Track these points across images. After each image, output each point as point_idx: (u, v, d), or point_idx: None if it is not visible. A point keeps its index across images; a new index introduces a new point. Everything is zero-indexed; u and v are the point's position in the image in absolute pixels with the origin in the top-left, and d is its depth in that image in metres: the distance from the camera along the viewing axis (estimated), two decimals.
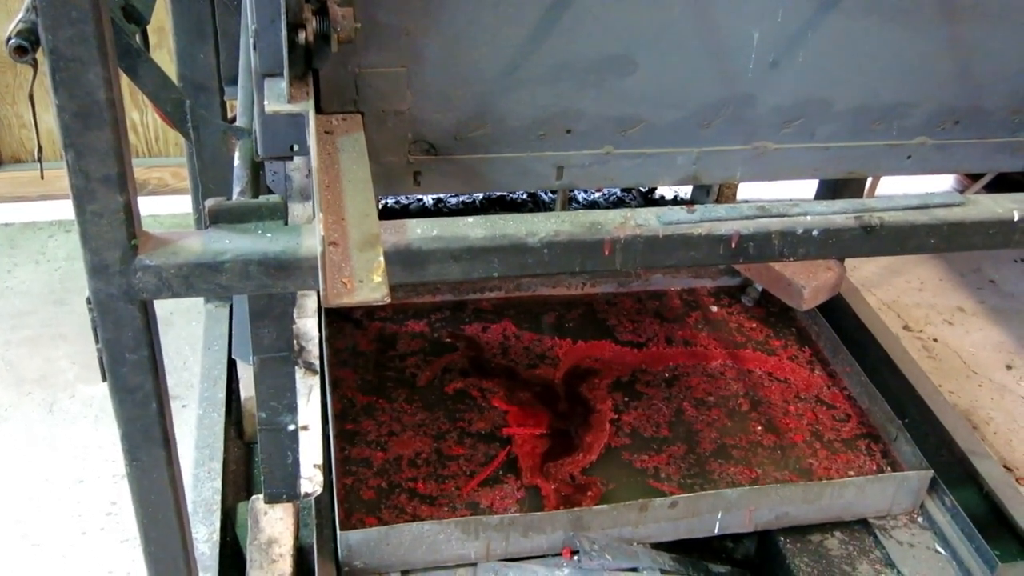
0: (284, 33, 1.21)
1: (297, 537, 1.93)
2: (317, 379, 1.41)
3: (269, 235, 1.17)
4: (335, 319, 2.50)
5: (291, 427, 1.50)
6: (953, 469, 2.23)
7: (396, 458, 2.11)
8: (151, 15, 1.76)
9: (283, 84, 1.25)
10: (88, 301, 1.14)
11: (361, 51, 1.31)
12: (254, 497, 1.97)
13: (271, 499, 1.61)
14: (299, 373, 1.40)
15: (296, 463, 1.56)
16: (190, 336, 2.85)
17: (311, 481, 1.57)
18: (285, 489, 1.61)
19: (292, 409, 1.48)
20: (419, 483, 2.05)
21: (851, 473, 2.18)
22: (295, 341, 1.35)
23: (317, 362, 1.39)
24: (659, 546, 2.01)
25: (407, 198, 3.39)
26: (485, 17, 1.32)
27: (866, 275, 3.42)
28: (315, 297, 1.32)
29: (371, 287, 0.95)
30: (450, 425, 2.21)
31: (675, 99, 1.46)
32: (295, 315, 1.33)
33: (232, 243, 1.15)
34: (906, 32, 1.47)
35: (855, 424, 2.33)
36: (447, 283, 2.61)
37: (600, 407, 2.29)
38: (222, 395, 2.35)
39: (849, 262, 2.86)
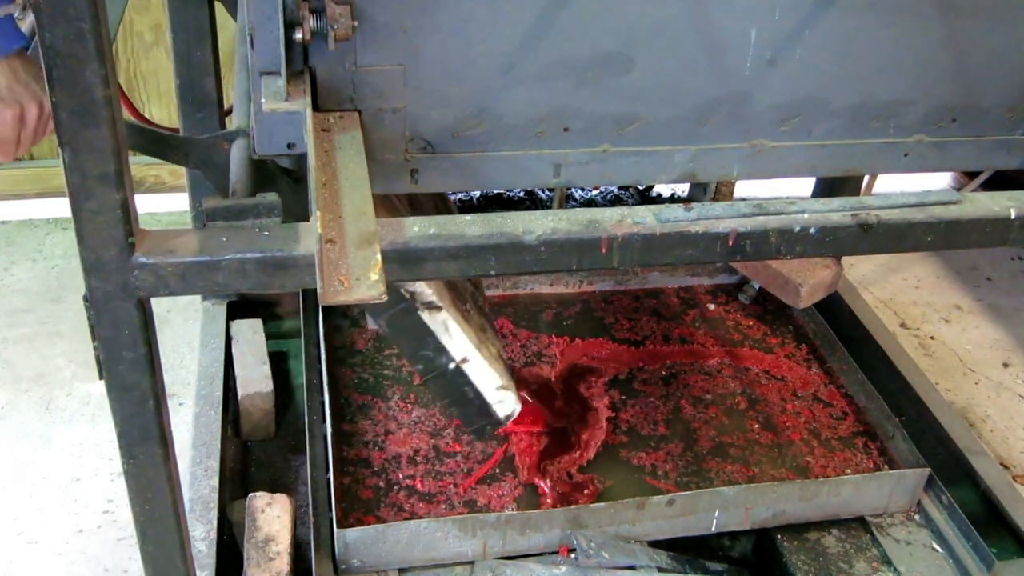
0: (281, 31, 1.21)
1: (294, 535, 1.93)
2: (443, 313, 1.44)
3: (266, 233, 1.17)
4: (332, 317, 2.50)
5: (451, 366, 1.54)
6: (950, 467, 2.23)
7: (393, 456, 2.11)
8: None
9: (280, 82, 1.25)
10: (85, 299, 1.14)
11: (358, 49, 1.30)
12: (251, 495, 1.97)
13: (477, 435, 1.70)
14: (425, 315, 1.42)
15: (479, 394, 1.60)
16: (187, 334, 2.85)
17: (503, 403, 1.60)
18: (483, 421, 1.67)
19: (442, 350, 1.51)
20: (417, 480, 2.05)
21: (848, 471, 2.18)
22: (402, 290, 1.36)
23: (435, 298, 1.42)
24: (656, 544, 2.01)
25: None
26: (482, 14, 1.32)
27: (863, 273, 3.43)
28: None
29: (368, 285, 0.95)
30: (447, 423, 2.20)
31: (672, 97, 1.46)
32: None
33: (229, 241, 1.15)
34: (903, 30, 1.47)
35: (852, 422, 2.34)
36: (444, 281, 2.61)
37: (597, 405, 2.29)
38: (219, 393, 2.35)
39: (846, 260, 2.86)
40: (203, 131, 2.42)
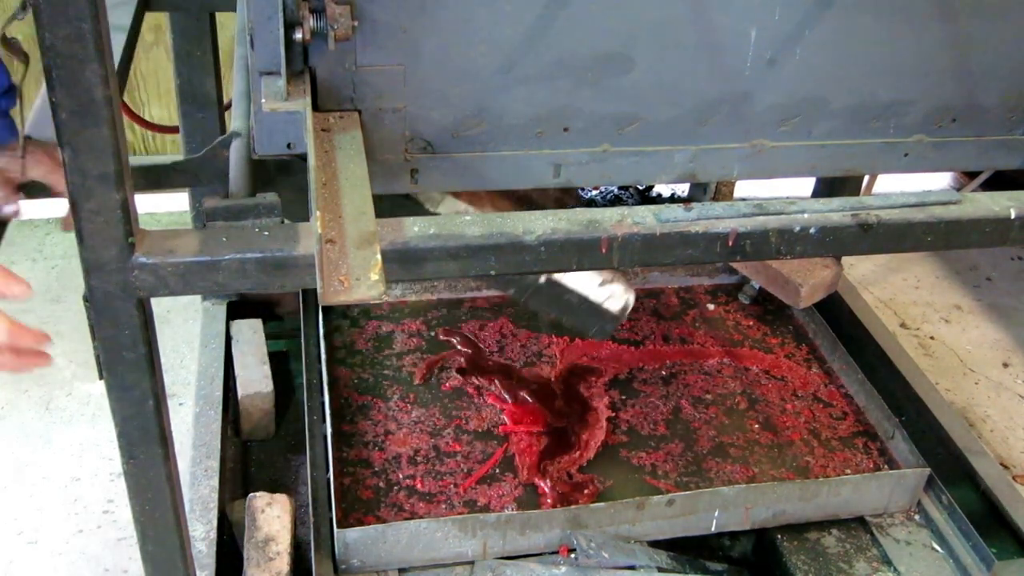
0: (281, 31, 1.21)
1: (294, 535, 1.93)
2: None
3: (266, 233, 1.17)
4: (332, 317, 2.50)
5: (542, 280, 1.63)
6: (950, 467, 2.23)
7: (393, 457, 2.11)
8: None
9: (280, 82, 1.25)
10: (85, 299, 1.14)
11: (358, 49, 1.31)
12: (251, 495, 1.97)
13: (599, 337, 1.87)
14: None
15: (583, 298, 1.67)
16: (187, 334, 2.85)
17: (613, 298, 1.67)
18: (599, 321, 1.73)
19: None
20: (417, 480, 2.05)
21: (848, 471, 2.18)
22: None
23: None
24: (656, 544, 2.01)
25: None
26: (482, 14, 1.32)
27: (863, 273, 3.43)
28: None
29: (368, 285, 0.95)
30: (447, 423, 2.21)
31: (672, 97, 1.46)
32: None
33: (229, 241, 1.15)
34: (903, 30, 1.47)
35: (852, 422, 2.34)
36: (444, 281, 2.61)
37: (597, 405, 2.29)
38: (219, 393, 2.35)
39: (846, 260, 2.86)
40: (203, 131, 2.43)
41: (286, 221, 1.21)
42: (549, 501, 2.02)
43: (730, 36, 1.42)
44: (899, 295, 3.34)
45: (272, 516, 1.93)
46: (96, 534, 2.27)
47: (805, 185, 2.98)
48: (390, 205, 1.43)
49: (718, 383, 2.42)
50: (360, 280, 0.95)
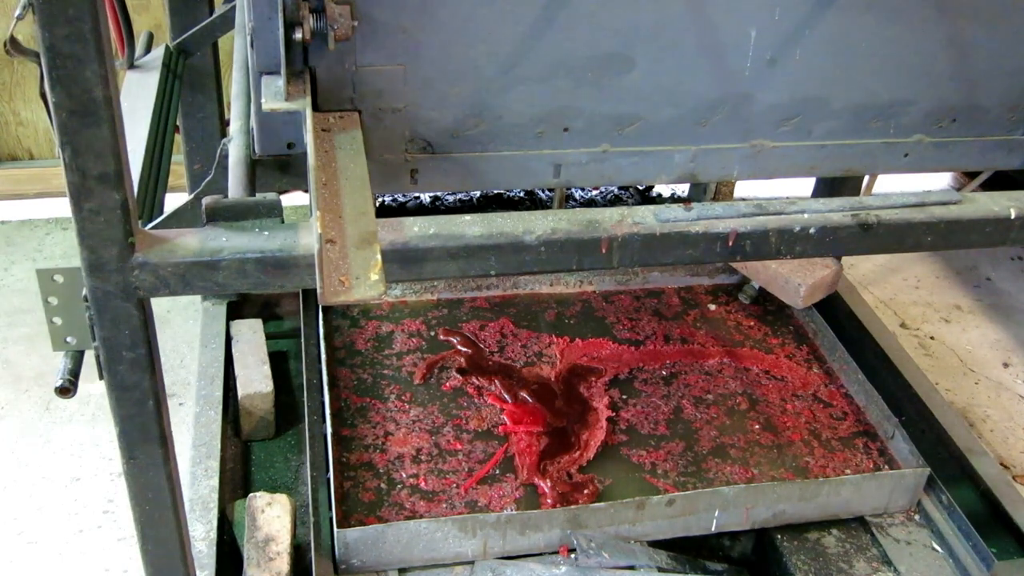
0: (281, 31, 1.21)
1: (294, 535, 1.93)
2: None
3: (266, 233, 1.17)
4: (332, 317, 2.50)
5: None
6: (950, 467, 2.23)
7: (394, 457, 2.10)
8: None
9: (280, 82, 1.25)
10: (85, 299, 1.14)
11: (358, 49, 1.31)
12: (251, 495, 1.97)
13: None
14: None
15: None
16: (187, 334, 2.85)
17: None
18: None
19: None
20: (420, 479, 2.05)
21: (848, 471, 2.18)
22: None
23: None
24: (656, 544, 2.01)
25: (404, 196, 3.39)
26: (482, 15, 1.32)
27: (863, 273, 3.43)
28: None
29: (368, 285, 0.95)
30: (447, 423, 2.20)
31: (672, 97, 1.46)
32: None
33: (229, 241, 1.15)
34: (903, 30, 1.47)
35: (852, 422, 2.34)
36: (444, 281, 2.61)
37: (597, 405, 2.29)
38: (219, 393, 2.35)
39: (846, 260, 2.86)
40: (203, 131, 2.44)
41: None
42: (549, 501, 2.02)
43: (730, 36, 1.42)
44: (899, 295, 3.34)
45: (272, 516, 1.92)
46: (96, 534, 2.27)
47: (805, 185, 2.98)
48: None
49: (719, 383, 2.42)
50: (360, 280, 0.95)
